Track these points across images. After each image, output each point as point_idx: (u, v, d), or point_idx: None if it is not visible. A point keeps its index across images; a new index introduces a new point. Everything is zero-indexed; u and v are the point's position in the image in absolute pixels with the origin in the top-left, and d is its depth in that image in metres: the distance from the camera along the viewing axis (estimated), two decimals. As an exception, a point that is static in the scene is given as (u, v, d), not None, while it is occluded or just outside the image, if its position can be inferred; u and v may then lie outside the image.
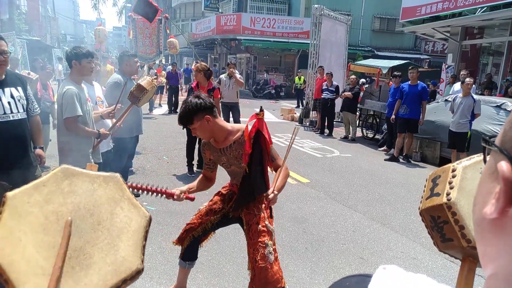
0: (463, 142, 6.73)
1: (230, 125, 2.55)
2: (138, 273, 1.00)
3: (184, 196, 2.44)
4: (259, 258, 2.40)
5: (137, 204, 1.10)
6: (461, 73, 9.50)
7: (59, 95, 3.34)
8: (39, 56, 15.89)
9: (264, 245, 2.41)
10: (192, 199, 2.51)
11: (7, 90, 2.81)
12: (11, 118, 2.79)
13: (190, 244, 2.74)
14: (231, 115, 7.62)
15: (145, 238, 1.06)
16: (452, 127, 6.83)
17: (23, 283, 0.92)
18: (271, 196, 2.27)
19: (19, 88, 2.93)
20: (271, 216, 2.60)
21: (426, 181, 1.17)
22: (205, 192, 3.43)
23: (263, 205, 2.53)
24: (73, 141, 3.38)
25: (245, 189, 2.43)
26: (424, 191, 1.16)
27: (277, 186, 2.35)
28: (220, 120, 2.51)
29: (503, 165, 0.39)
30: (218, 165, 2.68)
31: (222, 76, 7.75)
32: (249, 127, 2.38)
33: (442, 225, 1.06)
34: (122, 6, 45.22)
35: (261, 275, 2.40)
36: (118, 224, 1.03)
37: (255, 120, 2.23)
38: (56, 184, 1.03)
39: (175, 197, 2.40)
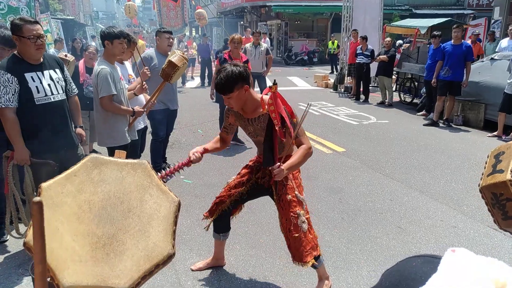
0: None
1: (260, 97, 2.50)
2: (169, 258, 1.03)
3: (198, 155, 2.45)
4: (292, 228, 2.44)
5: (165, 190, 1.12)
6: (510, 28, 8.80)
7: (93, 75, 3.43)
8: (74, 35, 16.22)
9: (296, 215, 2.44)
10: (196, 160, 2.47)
11: (46, 72, 2.91)
12: (52, 100, 2.90)
13: (221, 216, 2.78)
14: (256, 84, 7.53)
15: (175, 223, 1.08)
16: (508, 89, 6.34)
17: (62, 270, 0.97)
18: (275, 170, 2.23)
19: (57, 70, 3.02)
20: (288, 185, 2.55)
21: (488, 157, 1.13)
22: (235, 165, 3.36)
23: (291, 175, 2.51)
24: (109, 120, 3.49)
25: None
26: (485, 168, 1.13)
27: (288, 163, 2.30)
28: (253, 91, 2.47)
29: None
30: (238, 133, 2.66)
31: (248, 45, 7.60)
32: (266, 99, 2.33)
33: (505, 203, 1.04)
34: None
35: (296, 244, 2.44)
36: (148, 211, 1.05)
37: (269, 93, 2.20)
38: (87, 173, 1.06)
39: (191, 159, 2.42)
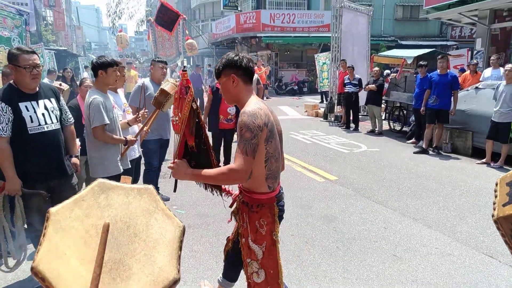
0: (505, 133, 6.42)
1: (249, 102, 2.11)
2: (175, 283, 1.03)
3: None
4: (246, 271, 2.24)
5: (170, 215, 1.13)
6: (491, 58, 9.13)
7: (85, 105, 3.43)
8: (67, 65, 16.29)
9: (246, 262, 2.21)
10: None
11: (41, 102, 2.92)
12: (46, 129, 2.90)
13: (230, 263, 2.58)
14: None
15: (180, 248, 1.09)
16: (495, 117, 6.55)
17: (69, 294, 0.96)
18: (171, 165, 2.00)
19: (53, 100, 3.03)
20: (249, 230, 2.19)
21: (497, 185, 1.07)
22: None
23: (246, 215, 2.19)
24: (101, 149, 3.47)
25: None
26: (496, 197, 1.06)
27: (200, 170, 1.99)
28: (249, 91, 2.13)
29: None
30: None
31: None
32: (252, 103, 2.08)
33: None
34: (141, 18, 45.32)
35: None
36: (153, 236, 1.06)
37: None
38: (94, 198, 1.07)
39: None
